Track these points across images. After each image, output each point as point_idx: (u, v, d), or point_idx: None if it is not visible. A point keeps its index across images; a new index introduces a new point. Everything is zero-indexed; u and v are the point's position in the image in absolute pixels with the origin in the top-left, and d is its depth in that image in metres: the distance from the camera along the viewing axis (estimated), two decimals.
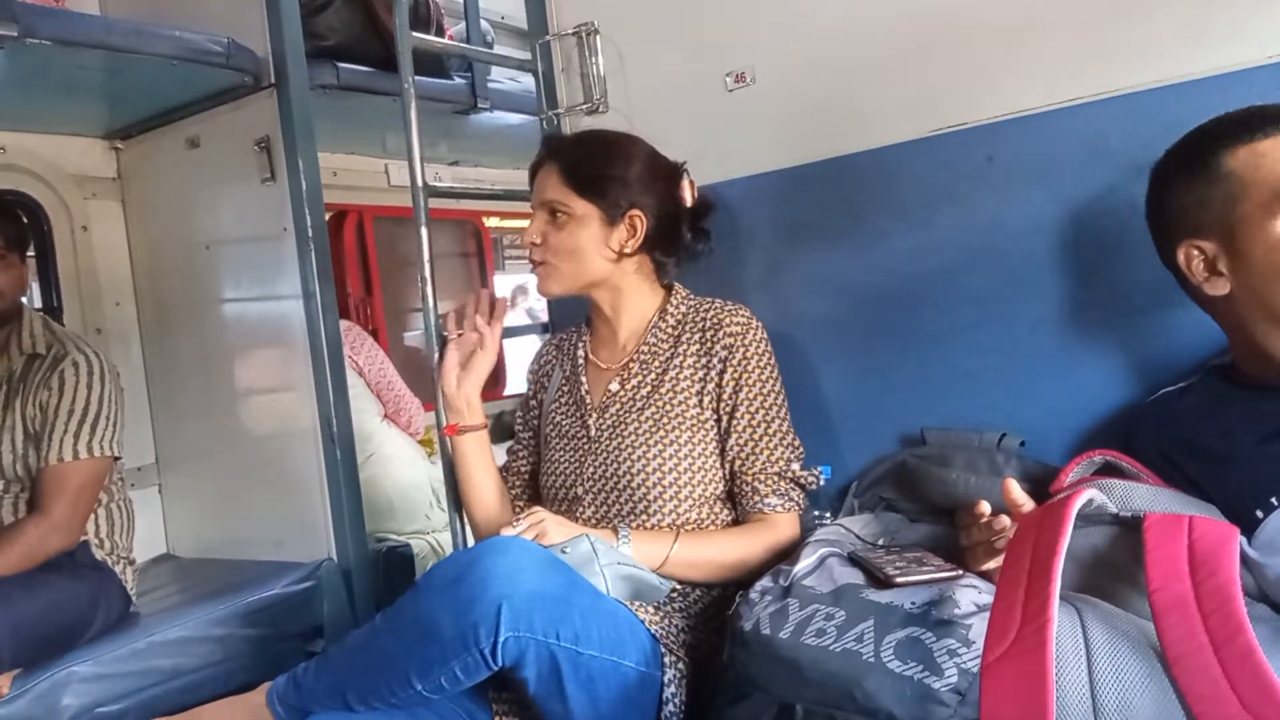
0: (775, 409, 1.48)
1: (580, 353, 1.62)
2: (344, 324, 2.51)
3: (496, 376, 3.99)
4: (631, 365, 1.54)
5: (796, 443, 1.49)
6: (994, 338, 1.47)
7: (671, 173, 1.57)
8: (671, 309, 1.55)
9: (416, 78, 1.88)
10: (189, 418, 2.60)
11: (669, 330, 1.54)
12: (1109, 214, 1.36)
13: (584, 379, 1.59)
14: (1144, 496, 1.06)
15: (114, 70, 2.11)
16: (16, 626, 1.67)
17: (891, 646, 0.99)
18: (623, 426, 1.49)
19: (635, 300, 1.56)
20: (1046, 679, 0.80)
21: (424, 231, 1.80)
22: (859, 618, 1.04)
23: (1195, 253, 1.13)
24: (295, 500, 2.32)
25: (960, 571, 1.11)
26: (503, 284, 4.98)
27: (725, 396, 1.47)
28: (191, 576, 2.40)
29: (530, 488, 1.68)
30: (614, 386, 1.54)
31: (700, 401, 1.48)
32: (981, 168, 1.47)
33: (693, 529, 1.45)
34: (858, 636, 1.02)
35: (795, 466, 1.47)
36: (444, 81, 2.77)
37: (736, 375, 1.46)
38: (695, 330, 1.52)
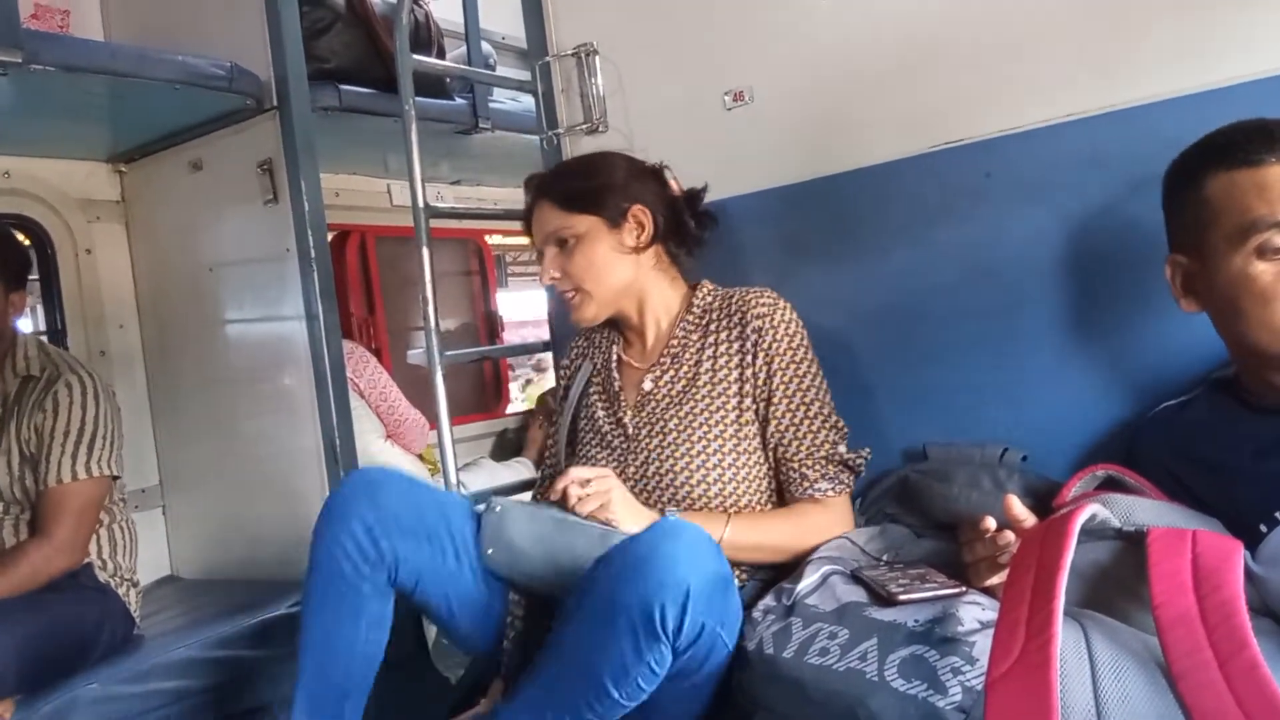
0: (814, 390, 1.45)
1: (615, 350, 1.61)
2: (347, 345, 2.51)
3: (498, 395, 3.99)
4: (663, 361, 1.53)
5: (840, 423, 1.46)
6: (994, 353, 1.48)
7: (655, 171, 1.60)
8: (697, 301, 1.54)
9: (418, 99, 1.90)
10: (193, 439, 2.60)
11: (696, 322, 1.53)
12: (1107, 229, 1.36)
13: (618, 375, 1.58)
14: (1147, 511, 1.06)
15: (117, 95, 2.12)
16: (20, 650, 1.66)
17: (895, 665, 0.99)
18: (661, 424, 1.47)
19: (660, 299, 1.56)
20: (1051, 696, 0.80)
21: (425, 252, 1.81)
22: (862, 636, 1.04)
23: (1177, 268, 1.14)
24: (299, 520, 2.32)
25: (963, 588, 1.10)
26: (505, 301, 4.98)
27: (760, 382, 1.44)
28: (196, 598, 2.39)
29: None
30: (647, 385, 1.53)
31: (740, 389, 1.46)
32: (980, 184, 1.47)
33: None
34: (861, 655, 1.02)
35: (841, 448, 1.44)
36: (445, 102, 2.78)
37: (769, 359, 1.44)
38: (723, 317, 1.50)
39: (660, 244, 1.56)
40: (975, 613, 1.02)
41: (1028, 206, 1.43)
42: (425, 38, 2.70)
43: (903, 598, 1.09)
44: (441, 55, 2.79)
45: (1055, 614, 0.84)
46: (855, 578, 1.19)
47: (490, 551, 1.39)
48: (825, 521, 1.41)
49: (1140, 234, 1.26)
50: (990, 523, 1.10)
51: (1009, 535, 1.08)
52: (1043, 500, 1.23)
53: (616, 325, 1.63)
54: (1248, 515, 1.03)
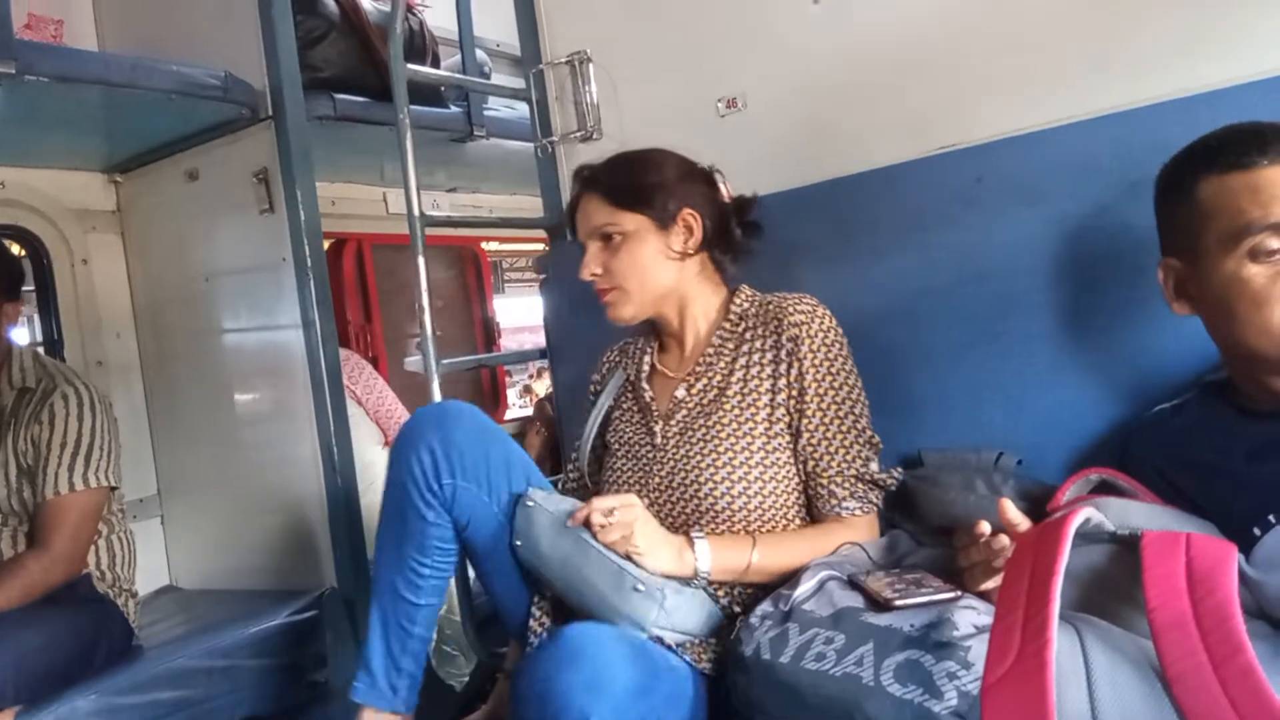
0: (850, 403, 1.41)
1: (646, 359, 1.58)
2: (343, 353, 2.52)
3: (495, 401, 4.00)
4: (697, 369, 1.49)
5: (875, 439, 1.43)
6: (988, 357, 1.48)
7: (707, 174, 1.55)
8: (735, 307, 1.51)
9: (413, 107, 1.90)
10: (191, 448, 2.60)
11: (731, 329, 1.49)
12: (1099, 232, 1.37)
13: (649, 385, 1.55)
14: (1141, 514, 1.06)
15: (112, 105, 2.13)
16: (18, 661, 1.66)
17: (891, 670, 0.99)
18: (690, 434, 1.45)
19: (701, 306, 1.53)
20: (1047, 700, 0.80)
21: (421, 261, 1.81)
22: (858, 641, 1.04)
23: (1170, 271, 1.15)
24: (297, 529, 2.33)
25: (959, 593, 1.10)
26: (503, 307, 4.98)
27: (794, 393, 1.40)
28: (195, 607, 2.40)
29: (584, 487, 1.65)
30: (680, 393, 1.49)
31: (772, 401, 1.42)
32: (972, 188, 1.48)
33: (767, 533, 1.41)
34: (858, 660, 1.02)
35: (874, 466, 1.41)
36: (440, 110, 2.79)
37: (804, 370, 1.40)
38: (759, 325, 1.46)
39: (706, 250, 1.52)
40: (971, 617, 1.02)
41: (1020, 210, 1.44)
42: (419, 46, 2.70)
43: (898, 603, 1.09)
44: (436, 63, 2.79)
45: (1050, 618, 0.84)
46: (851, 583, 1.19)
47: (518, 543, 1.40)
48: (852, 536, 1.38)
49: (1132, 237, 1.26)
50: (985, 527, 1.10)
51: (1004, 540, 1.08)
52: (1038, 504, 1.23)
53: (655, 329, 1.60)
54: (1241, 518, 1.04)
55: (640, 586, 1.27)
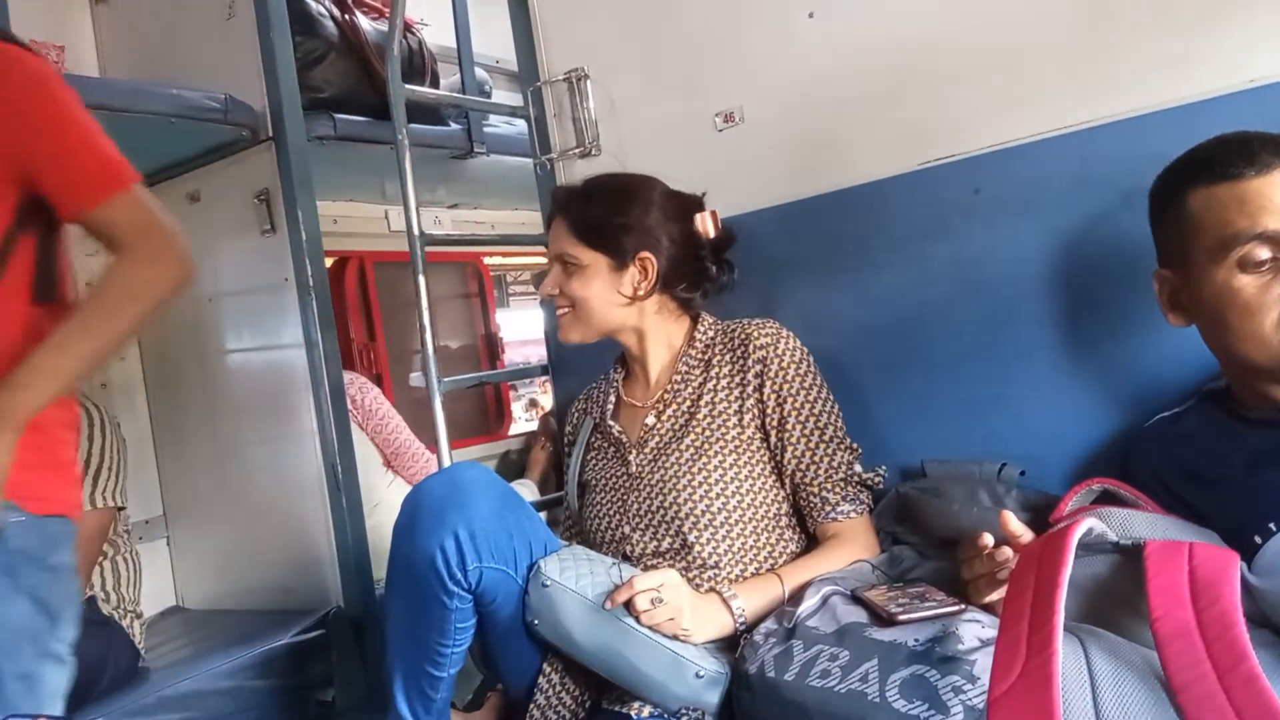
0: (827, 414, 1.45)
1: (611, 397, 1.61)
2: (348, 375, 2.52)
3: (500, 416, 3.99)
4: (665, 397, 1.53)
5: (854, 445, 1.46)
6: (989, 367, 1.48)
7: (687, 209, 1.56)
8: (699, 335, 1.54)
9: (413, 125, 1.91)
10: (196, 469, 2.60)
11: (698, 356, 1.53)
12: (1096, 242, 1.37)
13: (616, 421, 1.57)
14: (1143, 524, 1.06)
15: (113, 129, 2.06)
16: None
17: (896, 686, 0.99)
18: (664, 458, 1.47)
19: (660, 338, 1.56)
20: (1054, 713, 0.80)
21: (421, 280, 1.82)
22: (863, 657, 1.04)
23: (1164, 283, 1.16)
24: (303, 549, 2.33)
25: (963, 606, 1.10)
26: (507, 320, 4.98)
27: (770, 411, 1.44)
28: (201, 628, 2.39)
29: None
30: (650, 420, 1.52)
31: (740, 420, 1.45)
32: (969, 200, 1.48)
33: (764, 557, 1.43)
34: (862, 676, 1.02)
35: (858, 468, 1.44)
36: (440, 128, 2.79)
37: (777, 387, 1.43)
38: (725, 351, 1.50)
39: (665, 291, 1.53)
40: (975, 630, 1.02)
41: (1018, 221, 1.44)
42: (418, 65, 2.71)
43: (902, 617, 1.09)
44: (435, 82, 2.80)
45: (1055, 630, 0.84)
46: (855, 598, 1.19)
47: (535, 623, 1.33)
48: (858, 547, 1.40)
49: (1130, 246, 1.26)
50: (988, 539, 1.10)
51: (1006, 551, 1.08)
52: (1040, 514, 1.23)
53: (621, 357, 1.64)
54: (1242, 527, 1.04)
55: (702, 673, 1.24)
